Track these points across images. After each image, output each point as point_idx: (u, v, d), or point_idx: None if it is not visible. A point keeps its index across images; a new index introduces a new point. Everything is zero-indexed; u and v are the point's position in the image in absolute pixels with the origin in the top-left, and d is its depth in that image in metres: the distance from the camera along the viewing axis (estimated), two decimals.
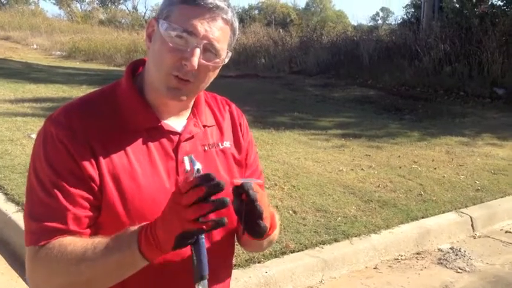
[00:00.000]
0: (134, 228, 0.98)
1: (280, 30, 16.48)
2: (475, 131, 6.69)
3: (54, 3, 45.68)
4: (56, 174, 1.04)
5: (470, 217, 3.94)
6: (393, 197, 4.09)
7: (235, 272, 2.88)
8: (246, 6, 42.14)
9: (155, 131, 1.12)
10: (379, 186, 4.31)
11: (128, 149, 1.09)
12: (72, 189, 1.04)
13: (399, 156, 5.28)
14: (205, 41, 1.04)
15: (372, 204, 3.92)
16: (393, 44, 11.74)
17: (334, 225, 3.50)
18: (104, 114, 1.10)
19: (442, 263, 3.43)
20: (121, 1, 47.20)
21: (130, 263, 0.98)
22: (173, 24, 1.04)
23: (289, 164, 4.71)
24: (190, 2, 1.04)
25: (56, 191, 1.03)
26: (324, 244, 3.25)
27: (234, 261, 2.87)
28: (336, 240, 3.31)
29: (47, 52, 17.80)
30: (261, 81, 10.43)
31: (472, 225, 3.92)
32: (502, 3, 10.42)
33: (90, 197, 1.05)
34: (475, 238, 3.84)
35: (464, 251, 3.58)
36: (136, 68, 1.19)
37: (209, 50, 1.06)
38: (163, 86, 1.08)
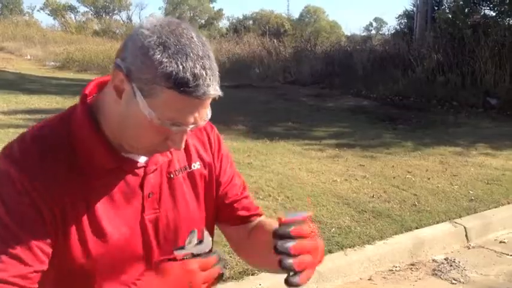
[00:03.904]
0: None
1: (274, 40, 16.53)
2: (469, 140, 6.71)
3: (48, 14, 45.71)
4: (11, 216, 0.93)
5: (464, 227, 3.93)
6: (387, 208, 4.08)
7: (229, 285, 2.86)
8: (241, 17, 42.35)
9: (117, 169, 1.02)
10: (373, 196, 4.31)
11: (89, 194, 0.99)
12: (26, 237, 0.93)
13: (393, 166, 5.28)
14: (194, 126, 0.94)
15: (366, 214, 3.91)
16: (386, 54, 11.80)
17: (328, 236, 3.49)
18: (59, 155, 0.97)
19: (436, 274, 3.42)
20: (115, 11, 47.30)
21: None
22: (159, 117, 0.90)
23: (283, 174, 4.70)
24: (183, 92, 0.88)
25: (6, 234, 0.92)
26: None
27: (227, 274, 2.85)
28: (330, 252, 3.30)
29: (41, 63, 17.77)
30: (255, 91, 10.44)
31: (466, 236, 3.91)
32: (494, 14, 10.50)
33: (46, 249, 0.95)
34: (469, 249, 3.83)
35: (459, 262, 3.57)
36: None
37: None
38: (137, 151, 1.01)
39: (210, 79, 0.89)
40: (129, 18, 46.81)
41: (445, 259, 3.61)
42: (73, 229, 0.97)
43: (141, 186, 1.04)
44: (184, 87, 0.87)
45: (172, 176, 1.09)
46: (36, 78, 12.19)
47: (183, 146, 0.97)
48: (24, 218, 0.93)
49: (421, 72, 10.01)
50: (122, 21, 44.75)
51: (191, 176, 1.13)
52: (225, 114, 7.07)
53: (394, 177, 4.87)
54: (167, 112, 0.90)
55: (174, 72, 0.87)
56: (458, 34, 9.94)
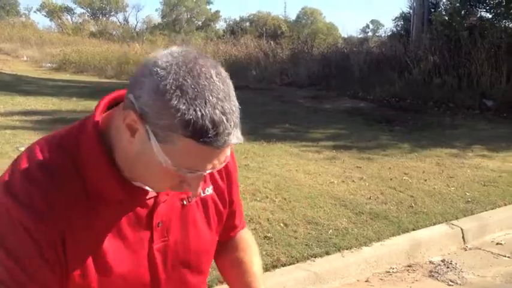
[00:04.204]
0: None
1: (271, 42, 16.56)
2: (465, 142, 6.72)
3: (45, 16, 45.58)
4: (13, 259, 0.89)
5: (461, 229, 3.94)
6: (384, 209, 4.09)
7: None
8: (238, 19, 42.36)
9: (127, 200, 0.97)
10: (370, 198, 4.31)
11: (96, 226, 0.94)
12: (30, 278, 0.90)
13: (390, 168, 5.29)
14: (212, 170, 0.90)
15: (363, 216, 3.91)
16: (383, 56, 11.83)
17: (325, 237, 3.49)
18: (66, 186, 0.92)
19: (433, 276, 3.42)
20: (112, 13, 47.26)
21: None
22: (175, 164, 0.85)
23: (281, 176, 4.70)
24: (202, 142, 0.82)
25: (9, 279, 0.89)
26: (315, 257, 3.24)
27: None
28: (327, 253, 3.30)
29: (37, 64, 17.74)
30: (252, 93, 10.44)
31: (463, 237, 3.92)
32: (490, 16, 10.54)
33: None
34: (466, 250, 3.84)
35: (456, 264, 3.57)
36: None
37: None
38: (151, 188, 0.97)
39: (231, 125, 0.84)
40: (126, 20, 46.80)
41: (441, 261, 3.62)
42: (76, 262, 0.94)
43: (151, 215, 1.00)
44: (203, 137, 0.82)
45: (185, 202, 1.05)
46: (32, 80, 12.17)
47: (200, 191, 0.94)
48: (25, 259, 0.89)
49: (417, 74, 10.03)
50: (118, 23, 44.73)
51: (204, 201, 1.10)
52: None
53: (391, 179, 4.88)
54: (184, 160, 0.85)
55: (192, 121, 0.81)
56: (454, 36, 9.97)
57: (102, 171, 0.93)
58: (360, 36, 31.11)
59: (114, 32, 34.74)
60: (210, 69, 0.86)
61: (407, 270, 3.48)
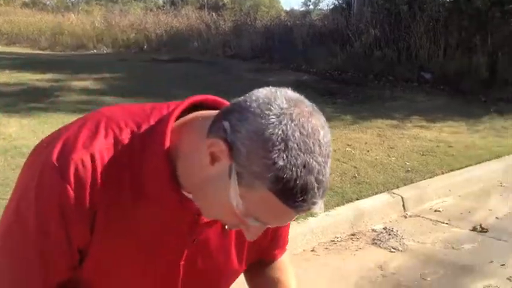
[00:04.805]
0: None
1: (213, 14, 16.29)
2: (404, 114, 6.91)
3: None
4: (43, 234, 0.86)
5: (402, 197, 4.06)
6: (329, 180, 4.14)
7: None
8: None
9: (176, 208, 0.91)
10: None
11: (132, 221, 0.89)
12: (52, 259, 0.88)
13: (333, 139, 5.32)
14: (277, 225, 0.89)
15: None
16: (325, 29, 11.89)
17: None
18: (120, 172, 0.87)
19: (376, 243, 3.51)
20: None
21: None
22: (246, 210, 0.81)
23: None
24: (285, 202, 0.78)
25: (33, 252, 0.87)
26: None
27: None
28: None
29: None
30: (194, 66, 10.27)
31: (403, 206, 4.04)
32: None
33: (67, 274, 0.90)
34: (406, 218, 3.96)
35: (397, 231, 3.68)
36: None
37: None
38: (204, 214, 0.92)
39: (319, 195, 0.80)
40: None
41: (383, 228, 3.72)
42: (98, 247, 0.89)
43: (191, 230, 0.94)
44: (289, 199, 0.78)
45: (226, 227, 0.96)
46: None
47: (255, 238, 0.88)
48: (52, 238, 0.86)
49: (359, 47, 10.17)
50: None
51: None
52: (164, 89, 6.92)
53: (334, 151, 4.94)
54: (256, 209, 0.81)
55: (285, 180, 0.76)
56: (395, 10, 10.14)
57: (161, 181, 0.88)
58: (301, 9, 31.17)
59: (48, 2, 33.12)
60: (320, 129, 0.81)
61: (351, 238, 3.56)
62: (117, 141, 0.88)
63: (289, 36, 12.02)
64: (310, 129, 0.79)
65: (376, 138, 5.55)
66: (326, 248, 3.40)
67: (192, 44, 13.68)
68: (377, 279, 3.07)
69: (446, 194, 4.34)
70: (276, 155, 0.76)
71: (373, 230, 3.70)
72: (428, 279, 3.09)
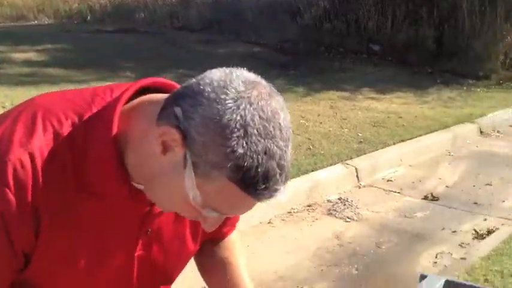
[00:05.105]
0: None
1: None
2: (355, 85, 6.97)
3: None
4: None
5: (355, 168, 4.10)
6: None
7: None
8: None
9: (125, 201, 0.86)
10: None
11: (79, 218, 0.84)
12: None
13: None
14: (235, 215, 0.89)
15: None
16: (275, 1, 11.78)
17: None
18: (62, 169, 0.80)
19: (331, 214, 3.54)
20: None
21: None
22: (203, 202, 0.76)
23: None
24: (246, 191, 0.74)
25: None
26: None
27: None
28: None
29: None
30: (141, 37, 9.95)
31: (357, 176, 4.09)
32: None
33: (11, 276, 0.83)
34: (360, 188, 4.01)
35: (352, 201, 3.72)
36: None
37: None
38: (159, 207, 0.88)
39: (281, 181, 0.76)
40: None
41: (338, 199, 3.75)
42: (45, 247, 0.82)
43: (142, 220, 0.89)
44: (250, 187, 0.74)
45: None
46: None
47: (214, 228, 0.84)
48: None
49: (309, 19, 10.14)
50: None
51: None
52: (110, 60, 6.67)
53: None
54: (215, 201, 0.76)
55: (245, 169, 0.72)
56: None
57: (107, 172, 0.81)
58: None
59: None
60: (280, 112, 0.77)
61: (308, 209, 3.57)
62: (57, 135, 0.80)
63: (238, 8, 11.84)
64: (269, 113, 0.75)
65: (329, 110, 5.57)
66: (283, 220, 3.40)
67: (138, 14, 13.26)
68: (334, 249, 3.10)
69: (398, 163, 4.42)
70: (235, 142, 0.71)
71: (329, 201, 3.72)
72: (383, 247, 3.14)
